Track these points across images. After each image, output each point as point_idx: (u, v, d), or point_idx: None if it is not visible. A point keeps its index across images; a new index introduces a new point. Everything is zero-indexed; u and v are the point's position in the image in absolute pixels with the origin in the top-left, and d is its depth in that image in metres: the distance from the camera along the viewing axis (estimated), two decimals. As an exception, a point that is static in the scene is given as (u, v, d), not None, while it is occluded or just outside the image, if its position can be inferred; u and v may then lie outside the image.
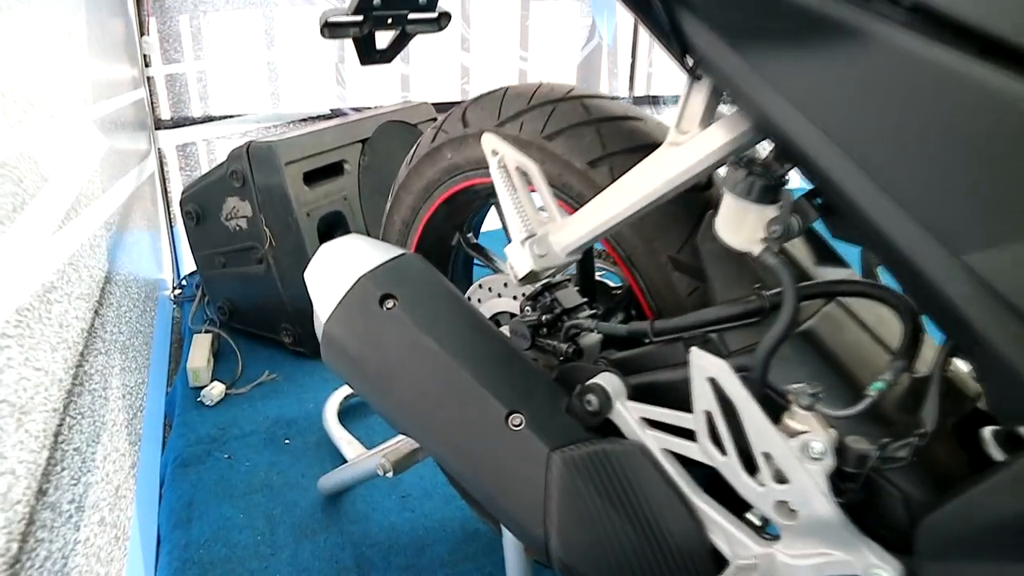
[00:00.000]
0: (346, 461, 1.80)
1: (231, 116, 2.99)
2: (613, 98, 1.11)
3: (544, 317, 1.10)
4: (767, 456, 0.77)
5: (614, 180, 1.00)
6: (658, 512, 0.85)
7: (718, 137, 0.79)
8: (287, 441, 1.94)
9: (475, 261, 1.51)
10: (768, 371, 0.80)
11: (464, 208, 1.37)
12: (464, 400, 0.89)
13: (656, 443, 0.88)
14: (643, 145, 1.02)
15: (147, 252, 2.58)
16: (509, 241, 0.93)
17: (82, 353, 1.28)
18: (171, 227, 2.97)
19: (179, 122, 2.90)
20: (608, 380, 0.90)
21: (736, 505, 0.86)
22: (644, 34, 3.52)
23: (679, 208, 0.99)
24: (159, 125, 2.86)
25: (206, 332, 2.38)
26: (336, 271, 0.99)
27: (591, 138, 1.04)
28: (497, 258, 1.39)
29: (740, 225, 0.78)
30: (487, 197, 1.33)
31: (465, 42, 3.21)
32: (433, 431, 0.91)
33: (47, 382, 1.05)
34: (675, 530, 0.85)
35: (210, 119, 2.95)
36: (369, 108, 2.69)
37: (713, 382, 0.80)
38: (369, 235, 2.44)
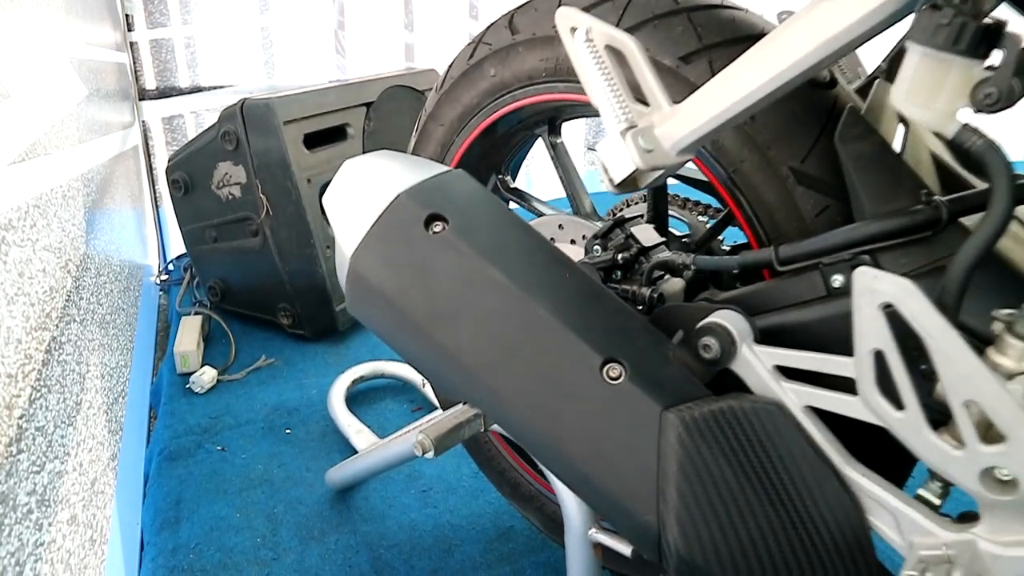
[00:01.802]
0: (356, 452, 1.59)
1: (221, 87, 2.76)
2: (699, -11, 0.90)
3: (620, 256, 0.88)
4: (971, 406, 0.56)
5: (714, 75, 0.80)
6: (804, 489, 0.64)
7: (892, -20, 0.58)
8: (288, 431, 1.72)
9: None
10: (965, 293, 0.59)
11: (505, 141, 1.16)
12: (543, 346, 0.68)
13: (797, 398, 0.67)
14: (750, 35, 0.82)
15: (131, 231, 2.35)
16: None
17: (48, 315, 1.06)
18: (157, 207, 2.74)
19: (165, 92, 2.68)
20: (731, 319, 0.69)
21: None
22: None
23: (800, 109, 0.78)
24: (143, 95, 2.64)
25: (195, 314, 2.15)
26: (365, 191, 0.77)
27: (682, 29, 0.83)
28: (543, 205, 1.18)
29: (935, 89, 0.57)
30: (534, 126, 1.12)
31: (473, 9, 3.00)
32: (500, 389, 0.70)
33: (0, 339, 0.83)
34: (828, 512, 0.64)
35: (199, 89, 2.73)
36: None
37: (890, 311, 0.59)
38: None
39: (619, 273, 0.90)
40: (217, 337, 2.14)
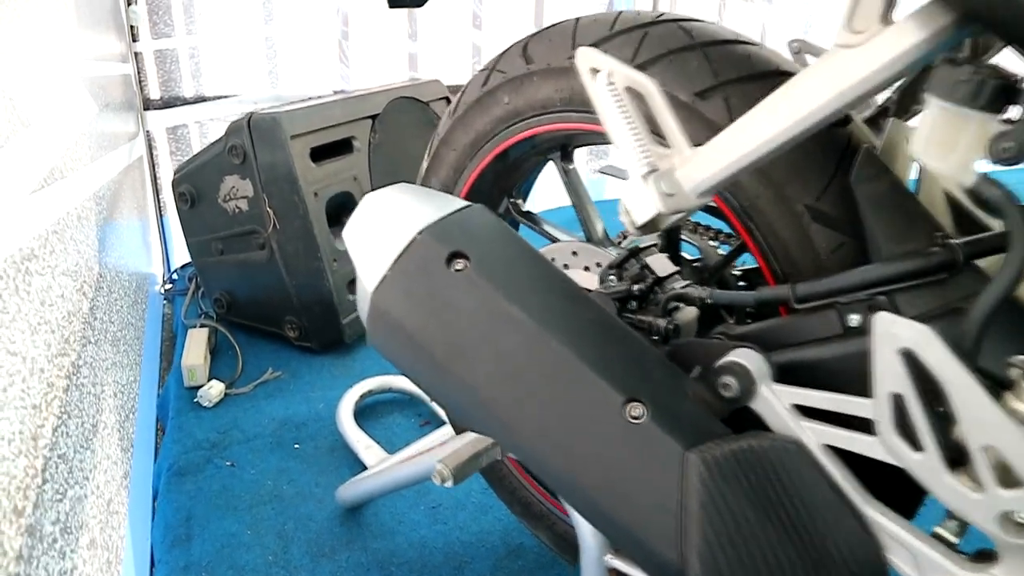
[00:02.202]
0: (365, 467, 1.60)
1: (226, 96, 2.77)
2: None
3: (636, 287, 0.90)
4: (990, 451, 0.58)
5: (732, 114, 0.81)
6: (824, 527, 0.66)
7: (910, 33, 0.59)
8: (297, 446, 1.73)
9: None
10: (982, 339, 0.60)
11: (517, 167, 1.17)
12: (564, 384, 0.69)
13: (815, 437, 0.68)
14: (765, 72, 0.83)
15: (137, 242, 2.36)
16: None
17: (67, 340, 1.07)
18: (160, 217, 2.75)
19: (169, 102, 2.68)
20: (749, 358, 0.70)
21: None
22: (663, 2, 3.33)
23: (816, 147, 0.79)
24: (148, 105, 2.64)
25: (202, 327, 2.16)
26: (386, 227, 0.78)
27: (698, 64, 0.84)
28: (555, 228, 1.19)
29: (954, 142, 0.58)
30: (547, 151, 1.14)
31: (476, 19, 3.01)
32: (519, 425, 0.71)
33: (25, 371, 0.84)
34: (847, 550, 0.65)
35: (203, 99, 2.73)
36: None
37: (908, 355, 0.60)
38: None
39: (634, 303, 0.92)
40: (223, 349, 2.15)
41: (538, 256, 0.77)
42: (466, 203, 0.81)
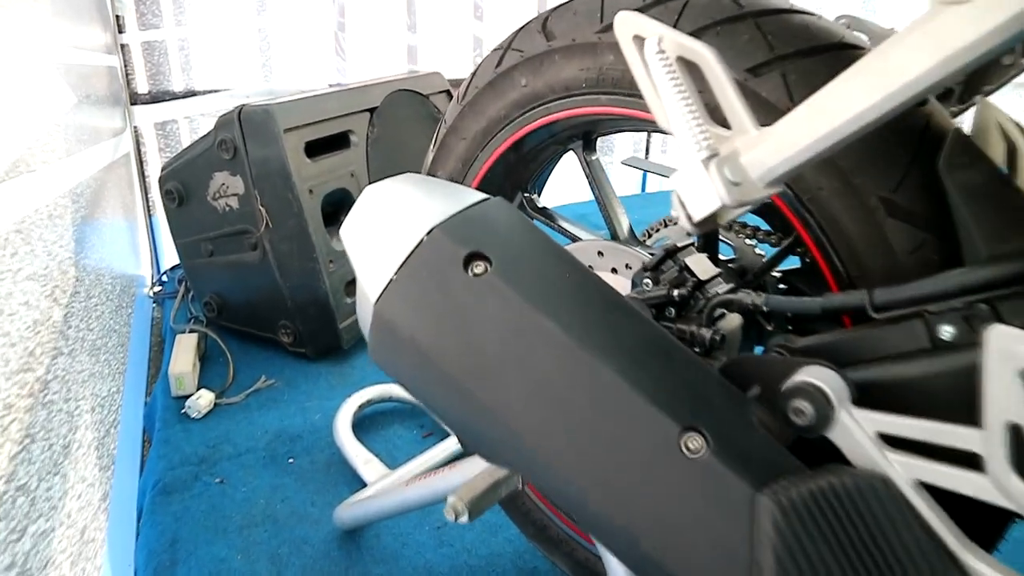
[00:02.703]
0: (364, 484, 1.49)
1: (216, 91, 2.65)
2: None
3: (676, 292, 0.79)
4: None
5: (790, 92, 0.70)
6: (920, 581, 0.55)
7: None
8: (291, 460, 1.61)
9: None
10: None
11: (533, 158, 1.06)
12: (607, 411, 0.58)
13: (906, 472, 0.57)
14: (827, 45, 0.72)
15: (123, 242, 2.24)
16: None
17: (32, 353, 0.95)
18: (149, 216, 2.63)
19: (158, 96, 2.56)
20: (825, 378, 0.59)
21: None
22: None
23: (889, 129, 0.68)
24: (135, 100, 2.53)
25: (191, 332, 2.04)
26: (391, 224, 0.67)
27: (749, 36, 0.73)
28: (574, 225, 1.08)
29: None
30: (567, 140, 1.02)
31: (478, 9, 2.89)
32: (553, 458, 0.60)
33: (-27, 391, 0.73)
34: (949, 610, 0.54)
35: (193, 94, 2.62)
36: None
37: (1033, 378, 0.49)
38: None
39: (672, 310, 0.81)
40: (214, 356, 2.03)
41: (570, 258, 0.66)
42: (483, 195, 0.70)
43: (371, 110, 2.10)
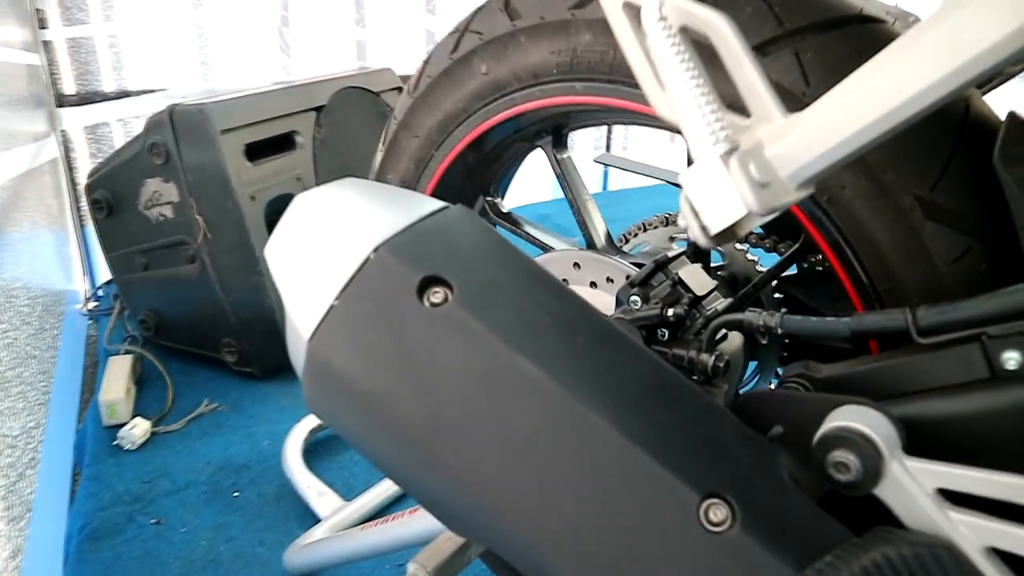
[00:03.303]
0: (318, 519, 1.35)
1: (152, 91, 2.47)
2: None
3: (671, 311, 0.67)
4: None
5: (805, 74, 0.59)
6: None
7: None
8: (237, 494, 1.46)
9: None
10: None
11: (496, 157, 0.93)
12: (608, 477, 0.45)
13: (975, 537, 0.46)
14: (845, 17, 0.61)
15: (48, 257, 2.06)
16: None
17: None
18: (82, 226, 2.44)
19: (87, 98, 2.37)
20: (871, 422, 0.48)
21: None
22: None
23: (925, 121, 0.57)
24: (61, 102, 2.33)
25: (125, 353, 1.87)
26: (326, 241, 0.54)
27: (753, 9, 0.62)
28: (544, 232, 0.96)
29: None
30: (535, 136, 0.90)
31: (430, 3, 2.75)
32: (541, 539, 0.47)
33: None
34: None
35: (126, 94, 2.43)
36: (321, 78, 2.22)
37: None
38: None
39: (666, 332, 0.69)
40: (151, 378, 1.86)
41: (550, 279, 0.54)
42: (439, 203, 0.57)
43: (318, 109, 1.95)
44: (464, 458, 0.48)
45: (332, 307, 0.51)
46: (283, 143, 1.86)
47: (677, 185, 1.14)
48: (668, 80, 0.46)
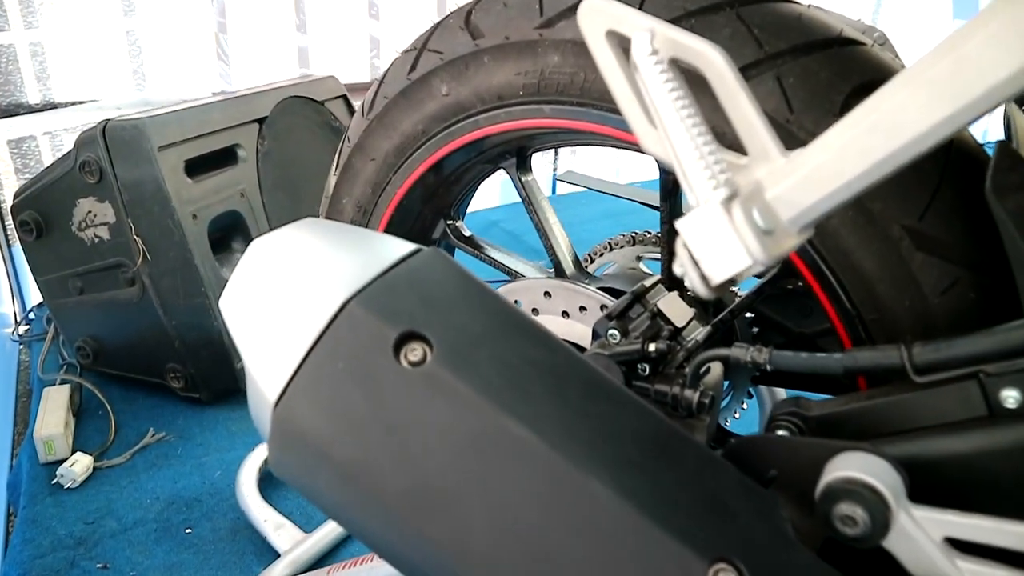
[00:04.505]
0: (278, 555, 1.29)
1: (81, 102, 2.35)
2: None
3: (652, 347, 0.64)
4: None
5: (788, 100, 0.57)
6: None
7: None
8: (188, 531, 1.39)
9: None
10: None
11: (457, 179, 0.89)
12: (610, 549, 0.42)
13: (991, 594, 0.44)
14: (827, 40, 0.59)
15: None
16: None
17: None
18: (9, 246, 2.31)
19: (10, 110, 2.24)
20: (875, 471, 0.46)
21: None
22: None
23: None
24: (-19, 115, 2.21)
25: (61, 383, 1.77)
26: (289, 295, 0.49)
27: (732, 31, 0.59)
28: (508, 255, 0.92)
29: None
30: (498, 159, 0.86)
31: (373, 7, 2.69)
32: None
33: None
34: None
35: (53, 106, 2.31)
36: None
37: None
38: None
39: (646, 366, 0.66)
40: (91, 408, 1.77)
41: (532, 325, 0.50)
42: (409, 246, 0.53)
43: (260, 120, 1.88)
44: (451, 529, 0.44)
45: (299, 368, 0.47)
46: (225, 157, 1.78)
47: (648, 205, 1.12)
48: (660, 117, 0.43)
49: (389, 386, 0.46)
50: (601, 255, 1.01)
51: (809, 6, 0.62)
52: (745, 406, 0.93)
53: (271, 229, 1.81)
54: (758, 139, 0.42)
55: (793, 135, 0.56)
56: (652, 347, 0.64)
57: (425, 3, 2.75)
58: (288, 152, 1.99)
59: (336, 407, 0.46)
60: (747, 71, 0.58)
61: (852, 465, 0.46)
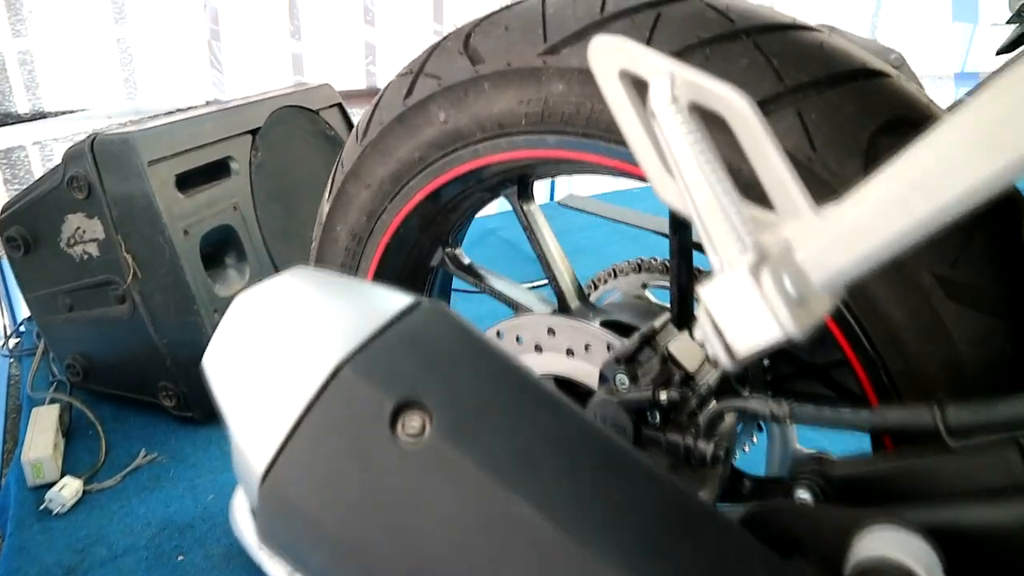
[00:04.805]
0: (272, 583, 1.25)
1: (72, 111, 2.31)
2: (744, -1, 0.63)
3: (664, 396, 0.60)
4: None
5: (810, 137, 0.53)
6: None
7: None
8: (181, 558, 1.35)
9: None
10: None
11: (456, 206, 0.86)
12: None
13: None
14: (852, 71, 0.55)
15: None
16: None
17: None
18: (-1, 259, 2.27)
19: (-1, 120, 2.21)
20: (913, 550, 0.42)
21: None
22: None
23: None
24: (-31, 125, 2.17)
25: (51, 402, 1.73)
26: (275, 358, 0.46)
27: (749, 61, 0.56)
28: (510, 285, 0.89)
29: None
30: (498, 187, 0.83)
31: (368, 13, 2.65)
32: None
33: None
34: None
35: (43, 115, 2.27)
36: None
37: None
38: (272, 258, 1.87)
39: (657, 414, 0.62)
40: (82, 428, 1.73)
41: (542, 389, 0.47)
42: (407, 299, 0.49)
43: (254, 131, 1.84)
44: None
45: (288, 440, 0.43)
46: (217, 170, 1.74)
47: (657, 233, 1.08)
48: (680, 169, 0.39)
49: (386, 463, 0.42)
50: (605, 282, 0.97)
51: (830, 32, 0.58)
52: (755, 440, 0.89)
53: (264, 244, 1.78)
54: (787, 194, 0.38)
55: (815, 175, 0.53)
56: (664, 396, 0.60)
57: (422, 9, 2.72)
58: (282, 163, 1.95)
59: (328, 483, 0.43)
60: (766, 105, 0.54)
61: (885, 543, 0.43)
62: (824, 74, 0.54)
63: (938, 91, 4.53)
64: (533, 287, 1.56)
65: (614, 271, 0.95)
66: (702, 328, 0.40)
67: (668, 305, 0.88)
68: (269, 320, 0.47)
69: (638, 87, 0.42)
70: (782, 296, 0.36)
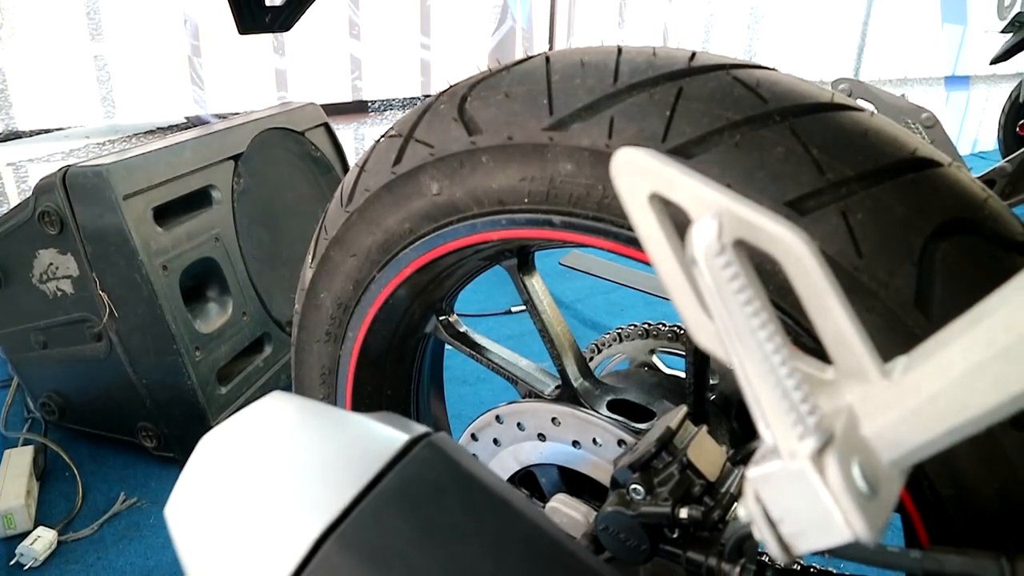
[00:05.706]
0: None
1: (48, 130, 2.23)
2: (770, 68, 0.56)
3: (684, 513, 0.54)
4: None
5: (856, 243, 0.47)
6: None
7: None
8: (160, 617, 1.28)
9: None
10: None
11: (450, 274, 0.79)
12: None
13: None
14: (901, 162, 0.49)
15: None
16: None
17: None
18: (-29, 285, 2.18)
19: (-30, 142, 2.13)
20: None
21: None
22: (562, 12, 3.01)
23: (982, 274, 0.46)
24: (-60, 147, 2.08)
25: (24, 443, 1.65)
26: (245, 519, 0.39)
27: (785, 150, 0.49)
28: (508, 355, 0.82)
29: None
30: (497, 258, 0.76)
31: (354, 27, 2.57)
32: None
33: None
34: None
35: (17, 136, 2.19)
36: (238, 114, 2.02)
37: None
38: (256, 289, 1.78)
39: (677, 531, 0.56)
40: (58, 470, 1.65)
41: (565, 561, 0.40)
42: (399, 439, 0.43)
43: (235, 157, 1.76)
44: None
45: (259, 629, 0.36)
46: (198, 200, 1.67)
47: (656, 295, 1.02)
48: (724, 324, 0.33)
49: (374, 659, 0.35)
50: (609, 346, 0.91)
51: (872, 115, 0.52)
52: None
53: (248, 276, 1.69)
54: (851, 354, 0.32)
55: (862, 285, 0.47)
56: (684, 514, 0.54)
57: (408, 22, 2.64)
58: (267, 188, 1.88)
59: None
60: (804, 202, 0.48)
61: None
62: (871, 167, 0.48)
63: (928, 95, 4.49)
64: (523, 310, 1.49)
65: (619, 335, 0.89)
66: (751, 515, 0.33)
67: (682, 374, 0.82)
68: (236, 469, 0.41)
69: (670, 208, 0.36)
70: (851, 493, 0.30)
